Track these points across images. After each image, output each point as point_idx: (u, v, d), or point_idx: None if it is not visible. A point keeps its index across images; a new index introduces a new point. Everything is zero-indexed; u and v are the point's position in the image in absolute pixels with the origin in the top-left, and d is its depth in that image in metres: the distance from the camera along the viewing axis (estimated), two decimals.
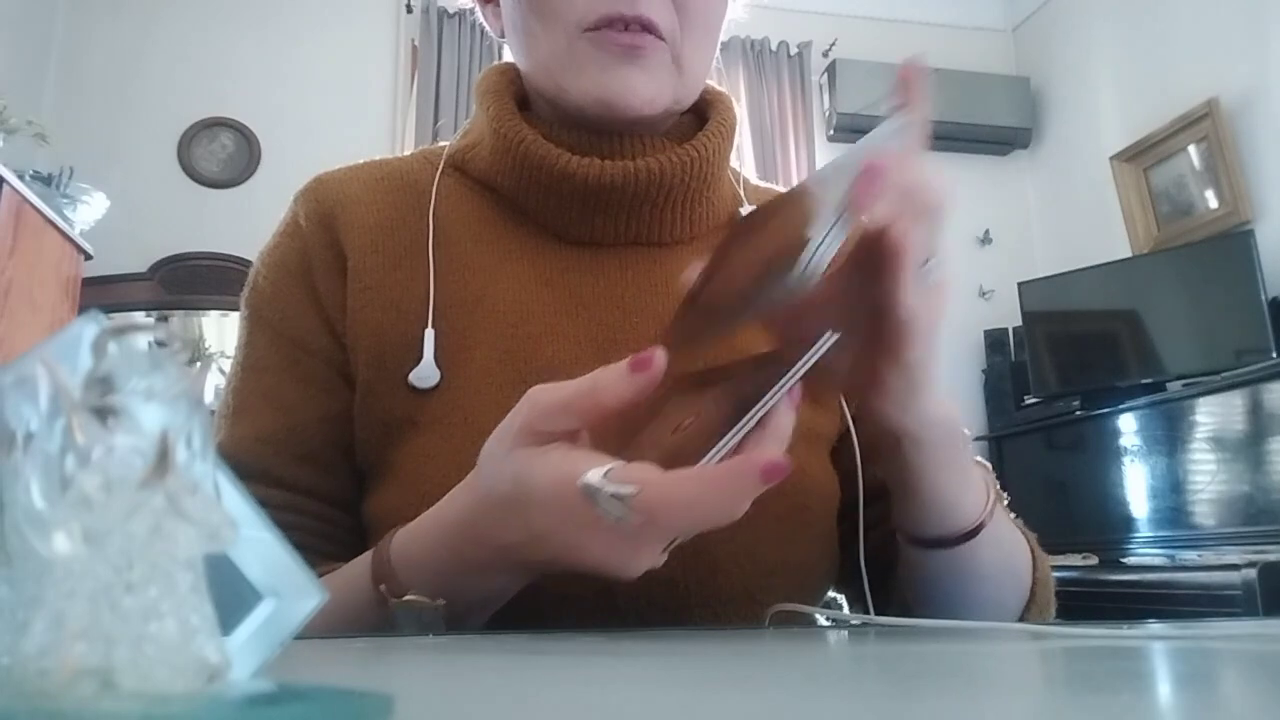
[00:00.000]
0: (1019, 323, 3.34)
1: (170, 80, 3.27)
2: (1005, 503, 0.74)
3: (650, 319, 0.67)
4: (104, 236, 2.69)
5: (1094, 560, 2.65)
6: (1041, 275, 3.38)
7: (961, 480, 0.57)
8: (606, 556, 0.43)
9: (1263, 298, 2.70)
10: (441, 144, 0.76)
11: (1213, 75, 3.00)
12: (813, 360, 0.43)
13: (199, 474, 0.19)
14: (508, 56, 0.76)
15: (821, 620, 0.65)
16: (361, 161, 0.74)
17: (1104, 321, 3.15)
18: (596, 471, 0.41)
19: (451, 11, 3.38)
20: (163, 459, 0.18)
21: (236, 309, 0.71)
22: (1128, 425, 2.76)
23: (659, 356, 0.43)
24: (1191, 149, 3.10)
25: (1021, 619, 0.65)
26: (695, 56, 0.67)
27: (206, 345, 2.76)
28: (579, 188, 0.66)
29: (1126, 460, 2.74)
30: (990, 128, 3.75)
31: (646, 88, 0.64)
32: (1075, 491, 2.91)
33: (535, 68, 0.68)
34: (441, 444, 0.61)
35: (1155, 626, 0.55)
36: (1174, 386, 2.76)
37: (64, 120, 2.89)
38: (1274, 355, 2.61)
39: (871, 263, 0.46)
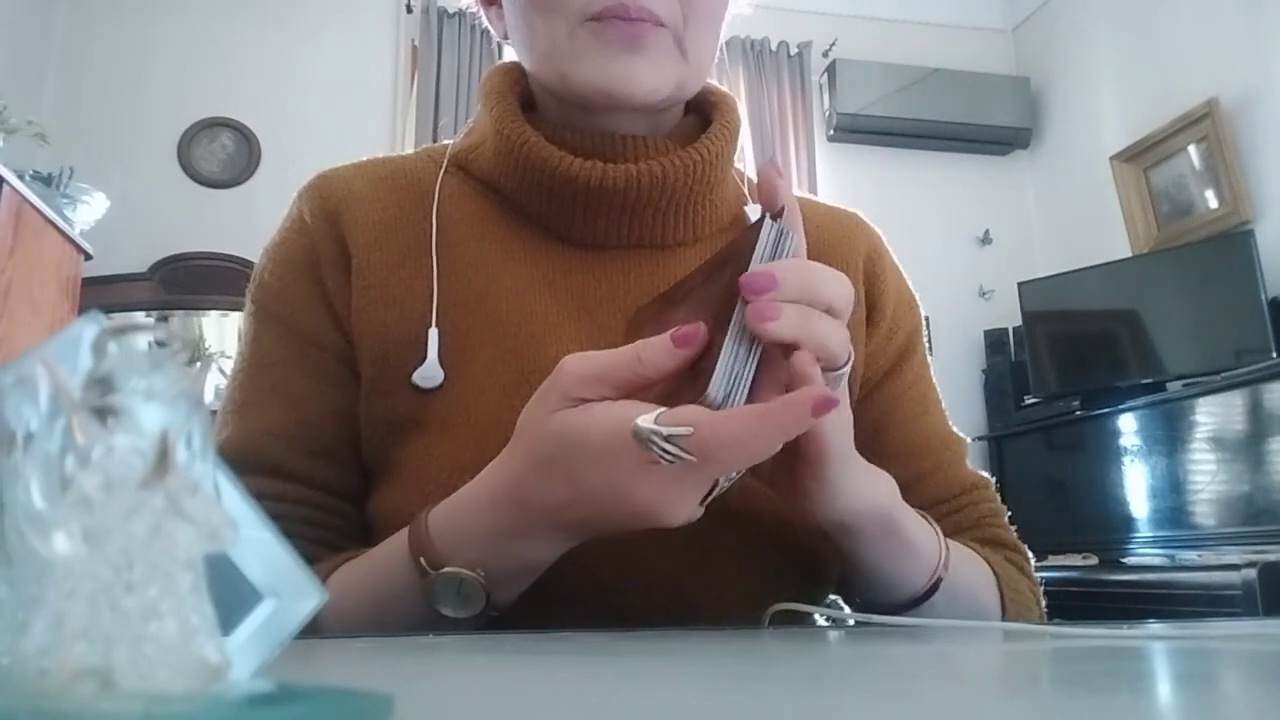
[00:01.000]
0: (1019, 323, 3.34)
1: (170, 80, 3.27)
2: (1007, 515, 0.74)
3: None
4: (104, 236, 2.69)
5: (1094, 560, 2.65)
6: (1041, 275, 3.38)
7: (902, 554, 0.58)
8: (655, 502, 0.45)
9: (1263, 298, 2.70)
10: (445, 143, 0.76)
11: (1213, 75, 3.00)
12: (767, 248, 0.45)
13: (199, 474, 0.19)
14: (509, 57, 0.75)
15: (821, 620, 0.65)
16: (365, 159, 0.74)
17: (1104, 321, 3.15)
18: (647, 417, 0.43)
19: (451, 11, 3.38)
20: (163, 459, 0.18)
21: (237, 309, 0.71)
22: (1128, 425, 2.76)
23: (702, 330, 0.44)
24: (1191, 149, 3.10)
25: None
26: (699, 43, 0.66)
27: (206, 345, 2.76)
28: (581, 190, 0.66)
29: (1126, 460, 2.74)
30: (990, 128, 3.75)
31: (649, 76, 0.63)
32: (1075, 491, 2.91)
33: (537, 60, 0.67)
34: (444, 444, 0.61)
35: (1155, 626, 0.55)
36: (1174, 386, 2.76)
37: (64, 120, 2.89)
38: (1274, 355, 2.61)
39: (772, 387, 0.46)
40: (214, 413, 0.68)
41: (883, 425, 0.71)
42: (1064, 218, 3.70)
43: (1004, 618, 0.65)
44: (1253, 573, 2.03)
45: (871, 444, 0.68)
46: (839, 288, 0.46)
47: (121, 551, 0.18)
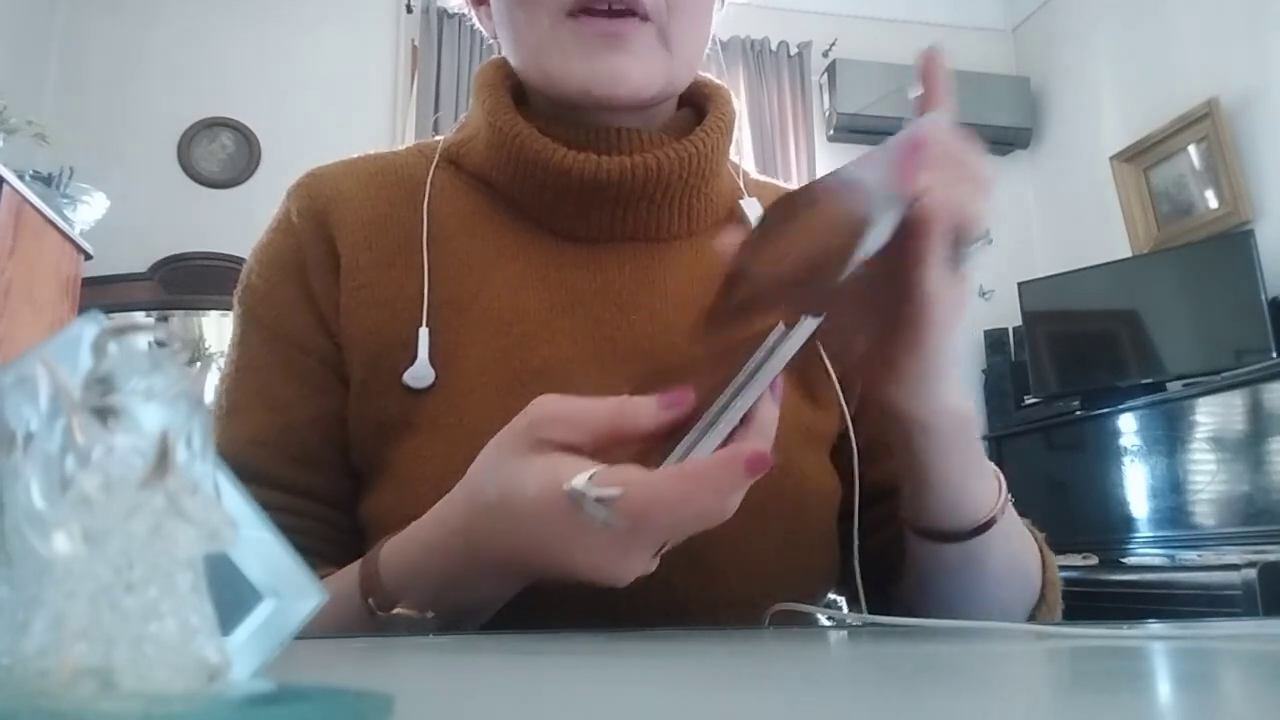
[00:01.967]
0: (1019, 323, 3.34)
1: (170, 80, 3.27)
2: (1011, 502, 0.74)
3: (647, 316, 0.66)
4: (104, 236, 2.69)
5: (1094, 560, 2.65)
6: (1041, 275, 3.37)
7: (973, 472, 0.56)
8: (597, 564, 0.43)
9: (1263, 298, 2.69)
10: (437, 138, 0.75)
11: (1213, 75, 3.00)
12: (788, 346, 0.43)
13: (199, 474, 0.19)
14: None
15: (822, 620, 0.64)
16: (355, 156, 0.73)
17: (1104, 321, 3.15)
18: (581, 476, 0.41)
19: (451, 11, 3.38)
20: (163, 459, 0.18)
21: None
22: (1128, 425, 2.76)
23: (689, 396, 0.43)
24: (1191, 149, 3.10)
25: (1031, 619, 0.65)
26: (685, 35, 0.65)
27: (206, 345, 2.76)
28: (575, 183, 0.65)
29: (1126, 460, 2.74)
30: (990, 128, 3.75)
31: (634, 73, 0.63)
32: (1075, 491, 2.91)
33: (523, 59, 0.67)
34: (437, 444, 0.61)
35: (1155, 626, 0.55)
36: (1174, 386, 2.76)
37: (64, 120, 2.89)
38: (1274, 355, 2.61)
39: (900, 243, 0.45)
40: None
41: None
42: (1064, 218, 3.69)
43: (1044, 576, 0.66)
44: (1253, 573, 2.03)
45: (876, 438, 0.68)
46: (984, 166, 0.47)
47: (121, 551, 0.18)
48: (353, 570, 0.54)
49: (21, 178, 2.28)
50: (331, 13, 3.45)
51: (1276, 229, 2.82)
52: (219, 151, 3.28)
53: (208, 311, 2.86)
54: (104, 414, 0.18)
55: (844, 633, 0.57)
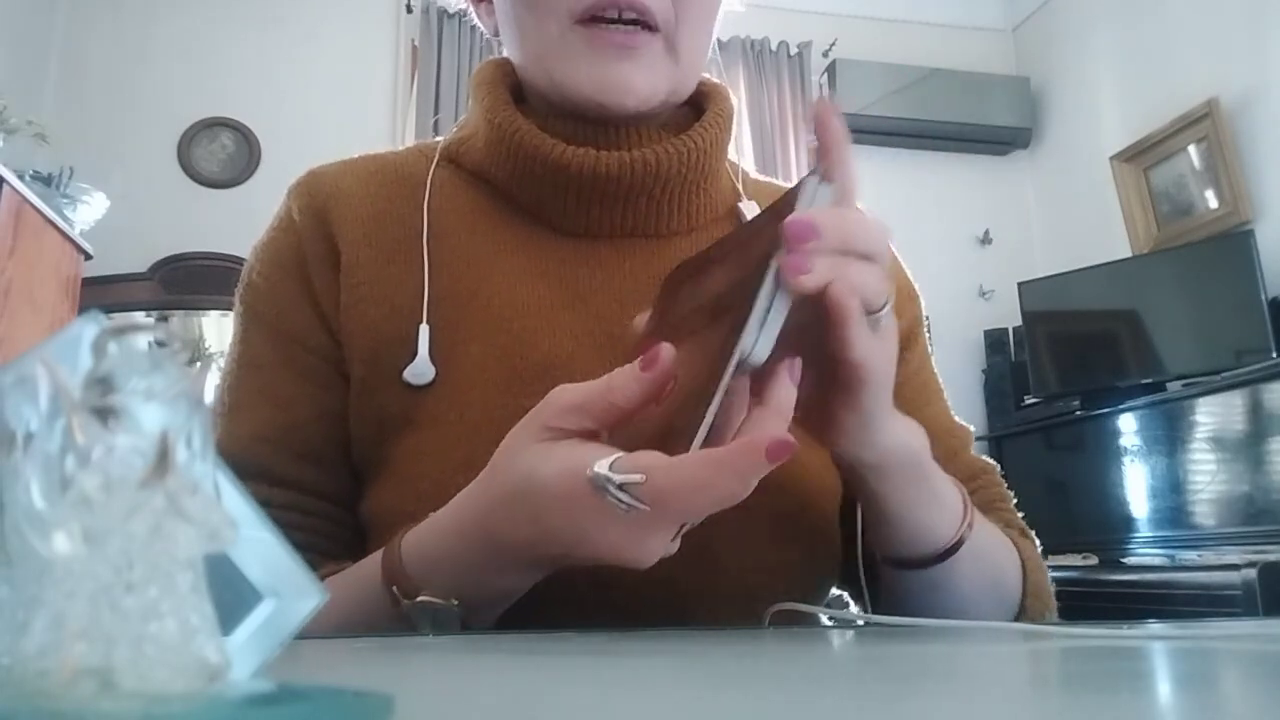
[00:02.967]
0: (1019, 323, 3.34)
1: (170, 80, 3.27)
2: (1013, 502, 0.74)
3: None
4: (104, 236, 2.69)
5: (1094, 560, 2.65)
6: (1041, 275, 3.38)
7: (930, 502, 0.57)
8: (619, 547, 0.43)
9: (1263, 298, 2.70)
10: (437, 138, 0.76)
11: (1213, 75, 3.00)
12: (769, 302, 0.43)
13: (199, 474, 0.19)
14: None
15: (822, 620, 0.64)
16: (355, 156, 0.73)
17: (1104, 321, 3.15)
18: (603, 462, 0.41)
19: (451, 11, 3.38)
20: (163, 459, 0.18)
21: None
22: (1128, 425, 2.76)
23: (665, 352, 0.43)
24: (1191, 149, 3.10)
25: None
26: (691, 45, 0.66)
27: (206, 345, 2.76)
28: (574, 179, 0.65)
29: (1126, 460, 2.74)
30: (990, 128, 3.75)
31: (642, 82, 0.63)
32: (1075, 491, 2.91)
33: (528, 60, 0.67)
34: (437, 441, 0.61)
35: (1155, 626, 0.55)
36: (1174, 386, 2.76)
37: (64, 120, 2.89)
38: (1274, 355, 2.61)
39: (819, 313, 0.45)
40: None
41: None
42: (1064, 218, 3.70)
43: (1024, 587, 0.65)
44: (1253, 573, 2.03)
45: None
46: (877, 235, 0.46)
47: (121, 551, 0.18)
48: (370, 562, 0.54)
49: (21, 178, 2.28)
50: (331, 13, 3.45)
51: (1276, 229, 2.82)
52: (219, 151, 3.28)
53: (208, 311, 2.86)
54: (104, 414, 0.18)
55: (844, 633, 0.57)
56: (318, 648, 0.38)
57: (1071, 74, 3.67)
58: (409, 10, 3.49)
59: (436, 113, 3.28)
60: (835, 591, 0.72)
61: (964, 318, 3.55)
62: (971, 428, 0.76)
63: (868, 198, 0.72)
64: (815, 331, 0.46)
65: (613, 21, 0.62)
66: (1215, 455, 2.50)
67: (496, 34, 0.72)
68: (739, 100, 3.43)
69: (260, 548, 0.24)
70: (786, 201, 0.46)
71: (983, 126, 3.74)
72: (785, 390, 0.44)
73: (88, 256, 2.63)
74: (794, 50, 3.71)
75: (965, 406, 3.63)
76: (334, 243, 0.66)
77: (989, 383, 3.47)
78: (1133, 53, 3.37)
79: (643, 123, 0.68)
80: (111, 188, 2.69)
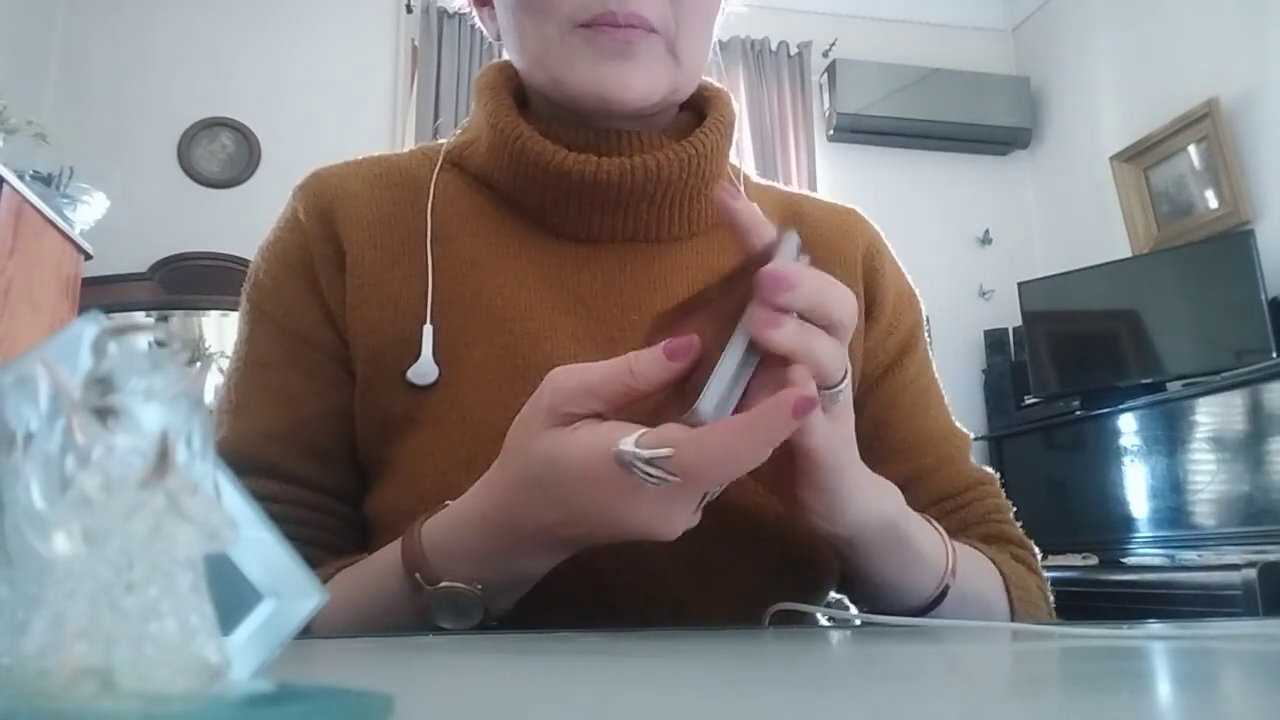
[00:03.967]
0: (1019, 323, 3.34)
1: (170, 80, 3.27)
2: (1013, 511, 0.73)
3: (648, 316, 0.66)
4: (104, 236, 2.69)
5: (1094, 560, 2.65)
6: (1041, 275, 3.38)
7: (910, 564, 0.57)
8: (647, 522, 0.44)
9: (1263, 298, 2.69)
10: (440, 141, 0.76)
11: (1213, 75, 3.00)
12: (740, 355, 0.43)
13: (199, 474, 0.19)
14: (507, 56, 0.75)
15: (822, 620, 0.64)
16: (360, 157, 0.73)
17: (1104, 321, 3.15)
18: (628, 439, 0.42)
19: (451, 11, 3.38)
20: (163, 459, 0.18)
21: (236, 309, 0.71)
22: (1128, 425, 2.76)
23: (695, 342, 0.44)
24: (1191, 149, 3.10)
25: None
26: (691, 46, 0.66)
27: (206, 345, 2.76)
28: (575, 184, 0.65)
29: (1126, 460, 2.74)
30: (990, 128, 3.75)
31: (641, 82, 0.63)
32: (1075, 491, 2.91)
33: (529, 63, 0.67)
34: (440, 441, 0.61)
35: (1155, 626, 0.55)
36: (1174, 386, 2.76)
37: (64, 120, 2.89)
38: (1274, 355, 2.61)
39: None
40: (212, 412, 0.68)
41: (884, 421, 0.71)
42: (1064, 218, 3.70)
43: (1013, 618, 0.65)
44: (1253, 573, 2.03)
45: (873, 440, 0.68)
46: (846, 307, 0.46)
47: (121, 551, 0.18)
48: (387, 552, 0.55)
49: (21, 178, 2.28)
50: (331, 13, 3.45)
51: (1276, 229, 2.82)
52: (219, 151, 3.28)
53: (208, 311, 2.86)
54: (104, 414, 0.18)
55: (844, 633, 0.57)
56: (317, 648, 0.38)
57: (1071, 74, 3.67)
58: (409, 10, 3.49)
59: (437, 113, 3.27)
60: (835, 595, 0.72)
61: (964, 318, 3.55)
62: (971, 435, 0.75)
63: (868, 198, 0.73)
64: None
65: (613, 25, 0.62)
66: (1215, 455, 2.50)
67: (499, 38, 0.72)
68: (739, 100, 3.42)
69: (260, 548, 0.24)
70: (764, 254, 0.46)
71: (983, 126, 3.74)
72: (808, 380, 0.44)
73: (88, 256, 2.63)
74: (794, 50, 3.71)
75: (965, 406, 3.64)
76: (339, 243, 0.67)
77: (989, 383, 3.47)
78: (1133, 53, 3.37)
79: (644, 127, 0.68)
80: (111, 188, 2.69)
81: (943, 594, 0.58)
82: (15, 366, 0.19)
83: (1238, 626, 0.57)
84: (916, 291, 0.78)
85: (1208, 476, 2.51)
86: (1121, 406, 2.78)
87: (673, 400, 0.45)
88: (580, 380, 0.45)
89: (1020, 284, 3.31)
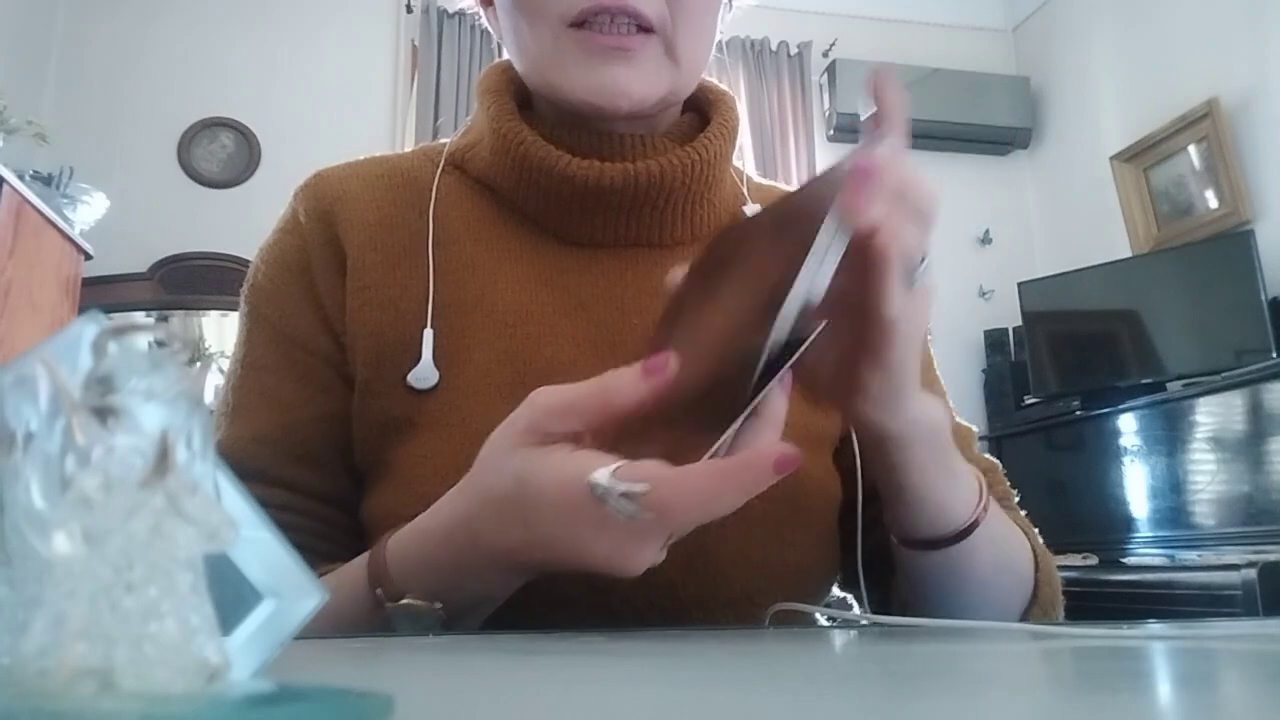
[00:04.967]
0: (1019, 323, 3.34)
1: (170, 80, 3.27)
2: (1016, 499, 0.74)
3: (650, 321, 0.66)
4: (104, 236, 2.69)
5: (1094, 560, 2.65)
6: (1041, 275, 3.38)
7: (949, 479, 0.56)
8: (610, 556, 0.43)
9: (1263, 298, 2.70)
10: (442, 141, 0.76)
11: (1213, 75, 3.00)
12: (802, 349, 0.43)
13: (199, 474, 0.19)
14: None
15: (821, 620, 0.64)
16: (362, 158, 0.73)
17: (1104, 321, 3.15)
18: (604, 471, 0.41)
19: (451, 11, 3.38)
20: (163, 459, 0.18)
21: (236, 309, 0.71)
22: (1128, 425, 2.76)
23: (671, 361, 0.43)
24: (1191, 149, 3.10)
25: (1024, 619, 0.65)
26: (691, 46, 0.65)
27: (206, 345, 2.76)
28: (578, 190, 0.65)
29: (1126, 460, 2.74)
30: (990, 128, 3.75)
31: (637, 86, 0.63)
32: (1075, 491, 2.91)
33: (527, 65, 0.67)
34: (440, 445, 0.61)
35: (1155, 626, 0.55)
36: (1174, 386, 2.76)
37: (64, 120, 2.89)
38: (1274, 355, 2.61)
39: (858, 265, 0.46)
40: (213, 411, 0.68)
41: None
42: (1064, 218, 3.70)
43: (1036, 577, 0.65)
44: (1253, 573, 2.03)
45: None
46: (929, 194, 0.47)
47: (121, 551, 0.18)
48: (358, 563, 0.54)
49: (21, 178, 2.28)
50: (332, 13, 3.45)
51: (1276, 229, 2.82)
52: (219, 151, 3.28)
53: (208, 311, 2.86)
54: (104, 414, 0.18)
55: (844, 632, 0.57)
56: (318, 648, 0.38)
57: (1071, 74, 3.67)
58: (409, 10, 3.49)
59: (437, 113, 3.27)
60: (837, 594, 0.72)
61: (964, 318, 3.55)
62: (975, 428, 0.76)
63: None
64: (851, 292, 0.46)
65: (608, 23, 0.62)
66: (1215, 455, 2.50)
67: (503, 35, 0.72)
68: (739, 101, 3.42)
69: (260, 548, 0.24)
70: (815, 199, 0.46)
71: (983, 126, 3.74)
72: (778, 401, 0.44)
73: (88, 256, 2.64)
74: (794, 50, 3.71)
75: (965, 406, 3.61)
76: (339, 246, 0.67)
77: (989, 383, 3.47)
78: (1133, 53, 3.37)
79: (647, 130, 0.68)
80: (111, 188, 2.69)
81: (974, 524, 0.57)
82: (15, 366, 0.19)
83: (1238, 626, 0.57)
84: None
85: (1208, 476, 2.51)
86: (1121, 406, 2.78)
87: (652, 427, 0.44)
88: (559, 399, 0.44)
89: (1020, 284, 3.31)
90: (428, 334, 0.63)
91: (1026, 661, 0.39)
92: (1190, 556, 2.39)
